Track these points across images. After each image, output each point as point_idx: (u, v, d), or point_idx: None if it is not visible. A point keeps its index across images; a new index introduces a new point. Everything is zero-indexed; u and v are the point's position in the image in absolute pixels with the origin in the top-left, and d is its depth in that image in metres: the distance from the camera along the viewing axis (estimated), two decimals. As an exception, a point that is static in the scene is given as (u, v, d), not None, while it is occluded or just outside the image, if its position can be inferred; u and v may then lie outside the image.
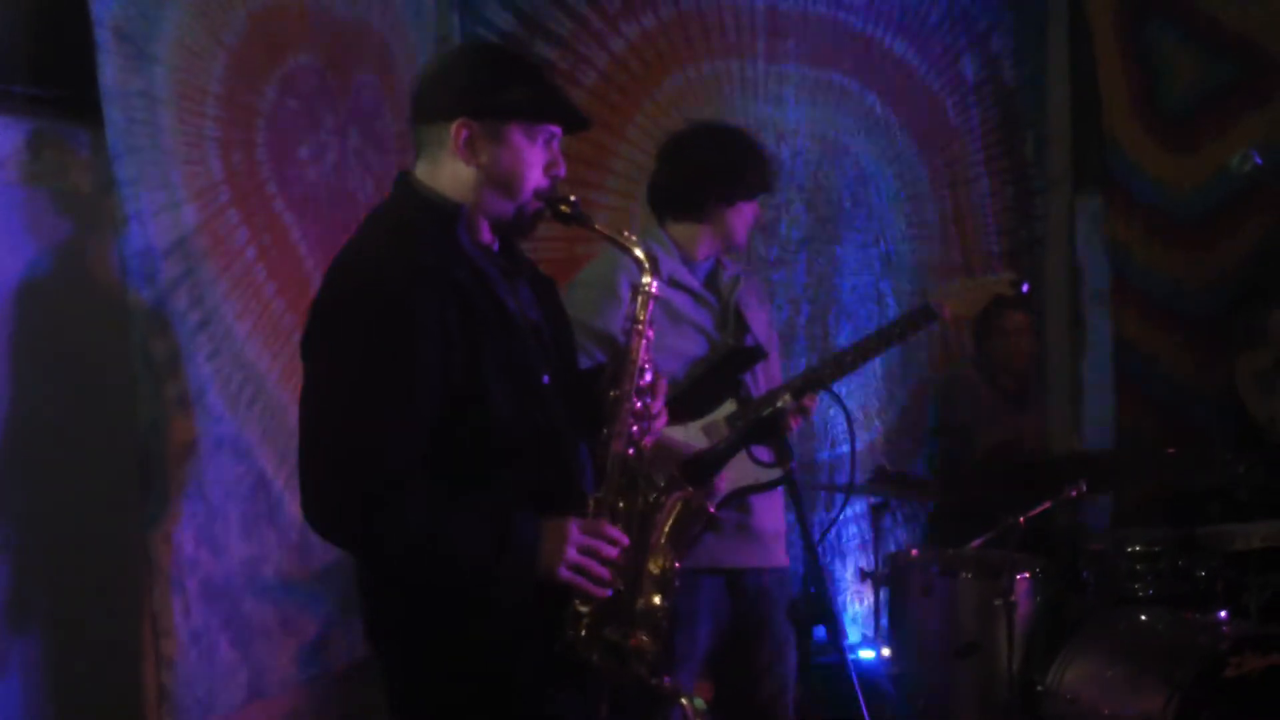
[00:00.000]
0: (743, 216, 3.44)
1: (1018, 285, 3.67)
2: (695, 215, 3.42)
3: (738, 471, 3.29)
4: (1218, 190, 5.81)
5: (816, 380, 3.40)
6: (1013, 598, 4.07)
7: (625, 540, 2.33)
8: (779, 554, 3.51)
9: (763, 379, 3.47)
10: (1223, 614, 4.06)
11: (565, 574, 2.27)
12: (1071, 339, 6.03)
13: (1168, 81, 5.92)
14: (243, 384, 3.35)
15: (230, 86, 3.33)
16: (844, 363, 3.49)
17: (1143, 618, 4.12)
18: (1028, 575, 4.21)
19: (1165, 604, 4.18)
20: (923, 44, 5.60)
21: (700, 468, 3.23)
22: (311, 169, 3.69)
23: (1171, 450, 5.14)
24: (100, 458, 3.02)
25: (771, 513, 3.47)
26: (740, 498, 3.36)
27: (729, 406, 3.35)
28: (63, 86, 2.93)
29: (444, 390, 2.24)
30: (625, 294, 3.21)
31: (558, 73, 4.72)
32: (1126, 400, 5.95)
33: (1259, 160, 4.47)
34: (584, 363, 3.01)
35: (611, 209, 4.82)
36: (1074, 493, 4.15)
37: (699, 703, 2.44)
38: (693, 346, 3.38)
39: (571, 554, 2.27)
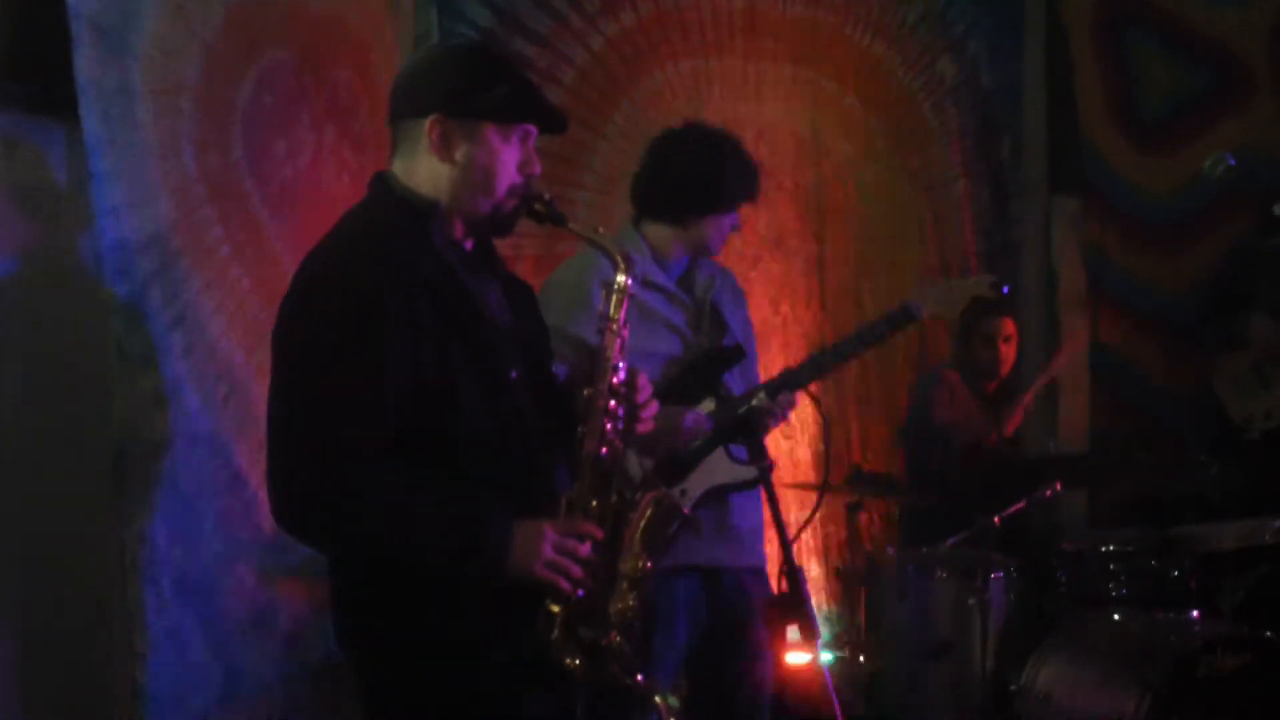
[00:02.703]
0: (721, 228, 3.43)
1: (997, 288, 3.67)
2: (674, 220, 3.41)
3: (716, 470, 3.31)
4: (1193, 195, 5.83)
5: (793, 381, 3.41)
6: (987, 597, 4.09)
7: (599, 534, 2.33)
8: (757, 552, 3.51)
9: (740, 378, 3.48)
10: (1196, 614, 4.08)
11: (542, 571, 2.26)
12: (1048, 342, 6.04)
13: (1144, 86, 5.94)
14: (217, 380, 3.34)
15: (207, 82, 3.32)
16: (821, 364, 3.50)
17: (1116, 617, 4.14)
18: (1002, 575, 4.22)
19: (1139, 604, 4.20)
20: (900, 45, 5.61)
21: (675, 466, 3.26)
22: (287, 165, 3.68)
23: (1145, 454, 5.16)
24: (74, 453, 3.00)
25: (749, 511, 3.48)
26: (718, 496, 3.37)
27: (707, 405, 3.35)
28: (38, 81, 2.92)
29: (411, 383, 2.24)
30: (596, 295, 3.20)
31: (537, 70, 4.71)
32: (1102, 403, 5.98)
33: (1232, 163, 4.50)
34: (558, 367, 3.01)
35: (590, 207, 4.81)
36: (1049, 493, 4.18)
37: (674, 701, 2.44)
38: (667, 346, 3.38)
39: (548, 552, 2.27)
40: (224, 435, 3.35)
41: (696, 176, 3.38)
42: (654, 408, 2.51)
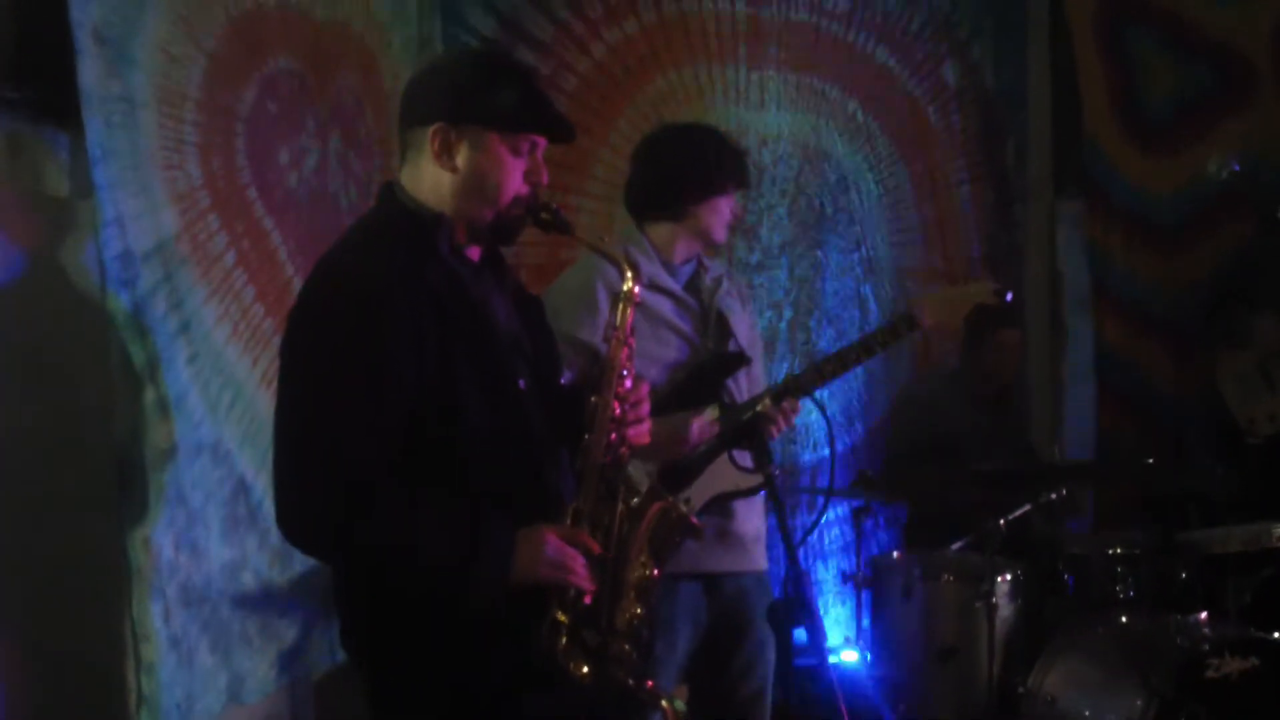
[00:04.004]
0: (719, 213, 3.43)
1: (1001, 294, 3.66)
2: (672, 214, 3.41)
3: (719, 476, 3.30)
4: (1197, 195, 5.84)
5: (797, 387, 3.41)
6: (993, 600, 4.09)
7: (596, 548, 2.32)
8: (758, 558, 3.51)
9: (745, 383, 3.47)
10: (1202, 616, 4.07)
11: (546, 573, 2.26)
12: (1052, 344, 6.04)
13: (1147, 87, 5.94)
14: (222, 388, 3.34)
15: (210, 90, 3.32)
16: (824, 371, 3.50)
17: (1123, 620, 4.14)
18: (1008, 578, 4.22)
19: (1145, 607, 4.20)
20: (904, 50, 5.61)
21: (680, 472, 3.25)
22: (292, 173, 3.68)
23: (1150, 456, 5.15)
24: (79, 463, 3.00)
25: (752, 517, 3.47)
26: (722, 503, 3.37)
27: (711, 412, 3.35)
28: (41, 89, 2.91)
29: (417, 395, 2.24)
30: (603, 302, 3.21)
31: (539, 78, 4.71)
32: (1107, 405, 5.97)
33: (1236, 166, 4.49)
34: (564, 373, 3.01)
35: (593, 214, 4.81)
36: (1054, 496, 4.17)
37: (679, 705, 2.44)
38: (673, 351, 3.38)
39: (551, 554, 2.26)
40: (228, 444, 3.35)
41: (684, 165, 3.39)
42: (646, 425, 2.50)
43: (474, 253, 2.46)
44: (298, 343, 2.29)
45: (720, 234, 3.46)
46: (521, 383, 2.39)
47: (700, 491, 3.32)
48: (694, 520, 2.54)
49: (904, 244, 5.66)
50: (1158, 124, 5.94)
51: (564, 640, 2.29)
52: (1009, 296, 3.68)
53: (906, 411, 5.08)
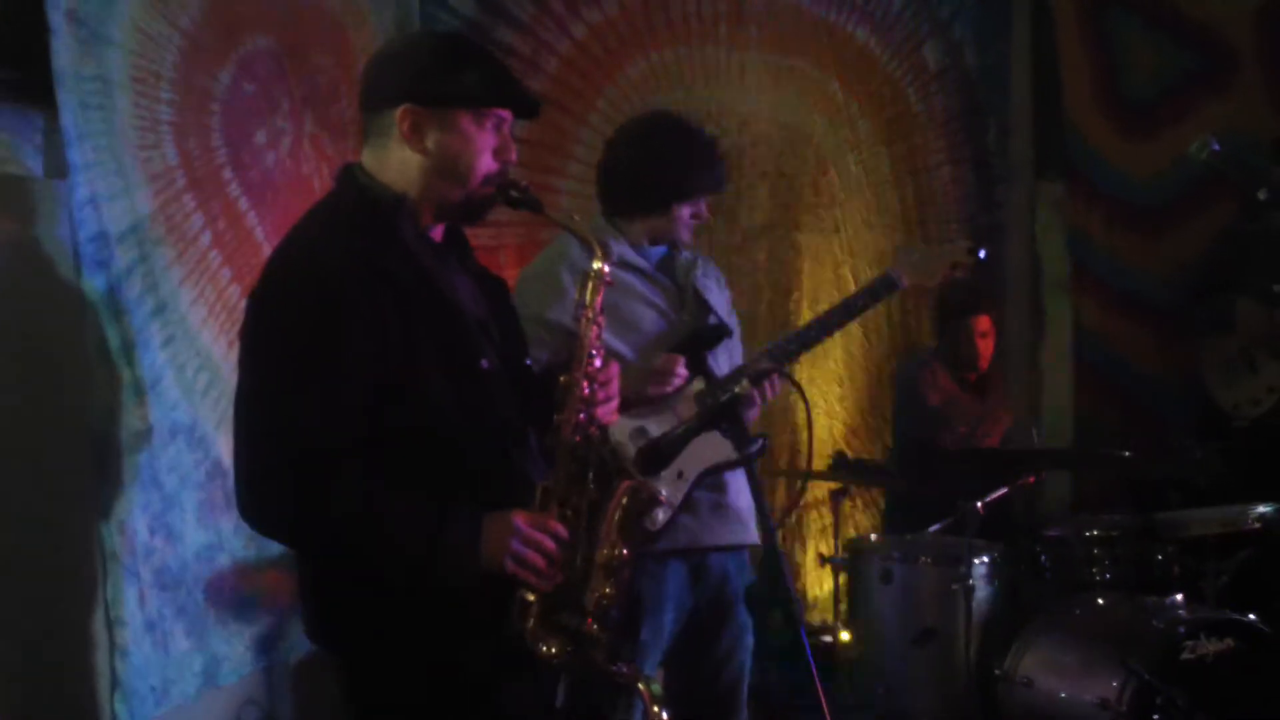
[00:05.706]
0: (682, 220, 3.41)
1: (974, 252, 3.69)
2: (638, 212, 3.41)
3: (710, 449, 3.29)
4: (1178, 179, 5.83)
5: (780, 353, 3.42)
6: (971, 583, 4.09)
7: (565, 533, 2.31)
8: (753, 531, 3.49)
9: (725, 363, 3.47)
10: (1179, 598, 4.09)
11: (510, 566, 2.25)
12: (1031, 327, 6.05)
13: (1129, 70, 5.94)
14: (198, 371, 3.33)
15: (185, 70, 3.30)
16: (807, 337, 3.52)
17: (1100, 602, 4.15)
18: (986, 560, 4.23)
19: (1122, 589, 4.21)
20: (885, 31, 5.60)
21: (658, 454, 3.24)
22: (268, 154, 3.67)
23: (1129, 438, 5.17)
24: (54, 445, 2.99)
25: (744, 490, 3.46)
26: (714, 475, 3.36)
27: (696, 385, 3.35)
28: (15, 70, 2.89)
29: (378, 377, 2.23)
30: (568, 283, 3.20)
31: (520, 58, 4.70)
32: (1086, 388, 5.99)
33: (1217, 147, 4.49)
34: (539, 353, 3.00)
35: (573, 194, 4.79)
36: (1030, 479, 4.18)
37: (656, 687, 2.43)
38: (648, 321, 3.37)
39: (515, 546, 2.25)
40: (204, 426, 3.34)
41: (652, 167, 3.36)
42: (615, 403, 2.49)
43: (437, 233, 2.44)
44: (256, 328, 2.27)
45: (685, 236, 3.45)
46: (485, 363, 2.37)
47: (692, 465, 3.31)
48: (662, 498, 2.54)
49: (884, 225, 5.66)
50: (1139, 106, 5.94)
51: (532, 621, 2.28)
52: (982, 254, 3.71)
53: (926, 378, 5.08)
